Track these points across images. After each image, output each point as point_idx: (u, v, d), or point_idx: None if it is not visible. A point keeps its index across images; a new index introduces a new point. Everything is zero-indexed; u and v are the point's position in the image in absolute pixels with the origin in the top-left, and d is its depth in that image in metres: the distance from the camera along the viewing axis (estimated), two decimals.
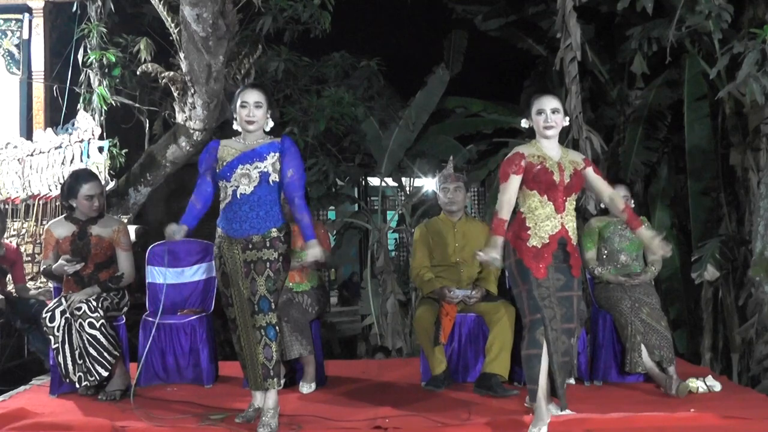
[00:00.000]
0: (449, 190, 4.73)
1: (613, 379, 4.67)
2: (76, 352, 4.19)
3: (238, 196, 3.66)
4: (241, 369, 3.85)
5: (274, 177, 3.68)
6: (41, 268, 4.55)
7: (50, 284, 5.18)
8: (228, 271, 3.69)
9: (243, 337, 3.67)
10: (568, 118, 3.80)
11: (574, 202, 3.75)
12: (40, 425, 3.74)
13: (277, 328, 3.65)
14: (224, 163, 3.71)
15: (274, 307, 3.64)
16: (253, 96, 3.72)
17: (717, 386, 4.34)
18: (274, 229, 3.66)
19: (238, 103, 3.73)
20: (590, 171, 3.76)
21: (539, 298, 3.57)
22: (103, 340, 4.23)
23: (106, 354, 4.23)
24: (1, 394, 4.54)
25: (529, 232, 3.64)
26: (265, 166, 3.67)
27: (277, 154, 3.70)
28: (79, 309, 4.19)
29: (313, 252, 3.66)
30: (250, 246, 3.63)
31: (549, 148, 3.71)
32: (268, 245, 3.63)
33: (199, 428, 3.73)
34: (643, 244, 4.25)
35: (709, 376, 4.44)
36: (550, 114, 3.67)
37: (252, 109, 3.70)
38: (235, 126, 3.80)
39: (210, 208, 3.89)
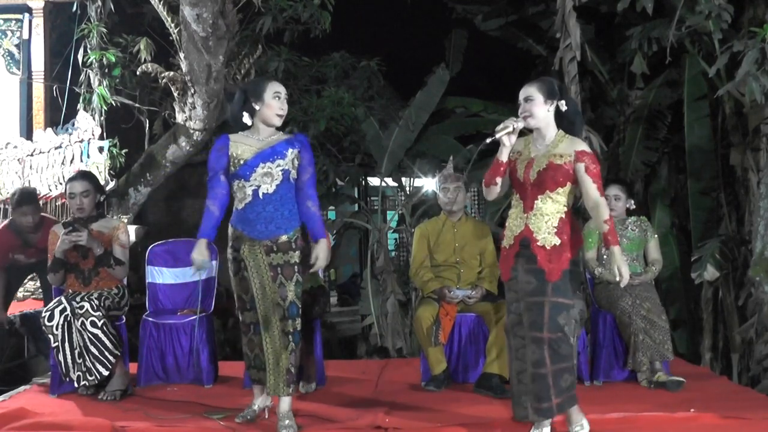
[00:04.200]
0: (449, 189, 4.73)
1: (613, 378, 4.67)
2: (76, 351, 4.19)
3: (261, 195, 3.55)
4: (245, 369, 3.80)
5: (294, 174, 3.60)
6: (48, 266, 4.54)
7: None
8: (249, 275, 3.58)
9: (268, 342, 3.55)
10: (564, 102, 3.44)
11: (558, 199, 3.39)
12: (40, 425, 3.73)
13: (300, 333, 3.60)
14: (242, 162, 3.57)
15: (301, 312, 3.60)
16: (284, 89, 3.63)
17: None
18: (297, 228, 3.60)
19: (270, 93, 3.58)
20: (580, 167, 3.36)
21: (507, 302, 3.47)
22: (104, 338, 4.23)
23: (107, 353, 4.23)
24: (1, 394, 4.53)
25: (505, 232, 3.54)
26: (285, 164, 3.57)
27: (296, 151, 3.61)
28: (81, 308, 4.19)
29: (324, 250, 3.58)
30: (275, 248, 3.53)
31: (536, 139, 3.49)
32: (293, 247, 3.56)
33: (199, 428, 3.73)
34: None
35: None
36: (523, 103, 3.44)
37: (285, 102, 3.61)
38: (246, 119, 3.62)
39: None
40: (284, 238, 3.55)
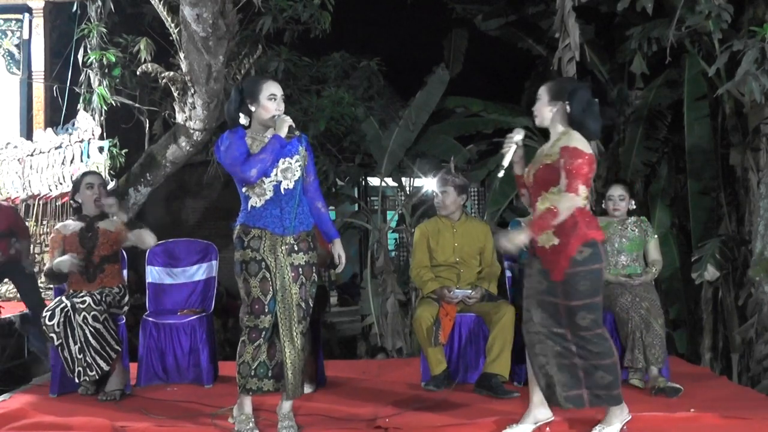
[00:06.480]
0: (438, 194, 4.79)
1: None
2: (76, 347, 4.18)
3: (282, 191, 3.49)
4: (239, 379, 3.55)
5: (304, 170, 3.57)
6: (45, 268, 4.55)
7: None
8: (271, 275, 3.48)
9: (287, 345, 3.48)
10: (569, 103, 3.40)
11: (554, 198, 3.32)
12: (40, 425, 3.74)
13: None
14: None
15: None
16: (280, 89, 3.54)
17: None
18: (314, 225, 3.62)
19: (265, 95, 3.47)
20: (561, 164, 3.28)
21: (523, 300, 3.50)
22: (105, 333, 4.24)
23: (108, 348, 4.24)
24: (1, 394, 4.54)
25: None
26: (300, 159, 3.53)
27: (304, 149, 3.56)
28: (83, 302, 4.20)
29: (342, 248, 3.65)
30: (296, 248, 3.51)
31: (548, 141, 3.49)
32: (311, 246, 3.56)
33: (199, 428, 3.73)
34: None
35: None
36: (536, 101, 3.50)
37: (281, 102, 3.53)
38: (243, 120, 3.51)
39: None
40: (304, 234, 3.55)
